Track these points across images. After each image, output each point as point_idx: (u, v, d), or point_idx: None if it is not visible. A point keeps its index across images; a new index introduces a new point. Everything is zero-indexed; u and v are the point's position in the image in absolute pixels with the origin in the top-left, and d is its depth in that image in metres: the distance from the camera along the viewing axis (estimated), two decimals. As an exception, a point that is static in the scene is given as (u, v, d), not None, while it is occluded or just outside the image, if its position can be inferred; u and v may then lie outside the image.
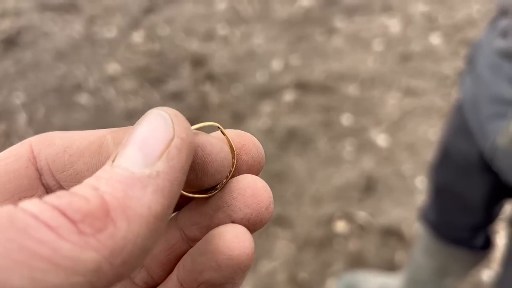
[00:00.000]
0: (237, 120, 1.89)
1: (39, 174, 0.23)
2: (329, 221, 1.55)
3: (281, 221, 1.56)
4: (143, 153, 0.19)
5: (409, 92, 2.01)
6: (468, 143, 0.87)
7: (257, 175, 0.26)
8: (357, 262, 1.46)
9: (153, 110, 0.21)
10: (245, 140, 0.25)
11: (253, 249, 0.22)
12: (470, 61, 0.85)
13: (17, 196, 0.22)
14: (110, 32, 2.31)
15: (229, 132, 0.25)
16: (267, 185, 0.24)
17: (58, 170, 0.23)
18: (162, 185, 0.19)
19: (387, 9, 2.47)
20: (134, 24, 2.35)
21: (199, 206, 0.25)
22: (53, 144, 0.23)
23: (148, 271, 0.26)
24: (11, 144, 1.40)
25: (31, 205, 0.16)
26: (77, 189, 0.18)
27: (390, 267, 1.45)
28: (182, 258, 0.24)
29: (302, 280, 1.42)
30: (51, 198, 0.17)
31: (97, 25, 2.35)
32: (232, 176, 0.25)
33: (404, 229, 1.54)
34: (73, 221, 0.17)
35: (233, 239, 0.22)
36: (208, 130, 0.25)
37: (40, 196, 0.22)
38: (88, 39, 2.26)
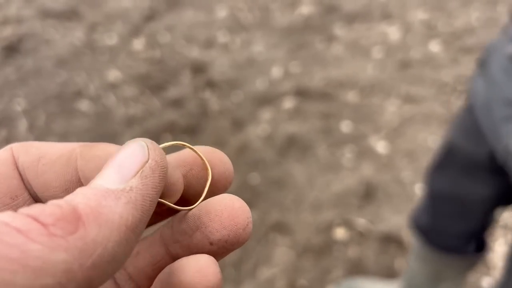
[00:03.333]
0: (237, 127, 1.90)
1: (21, 176, 0.24)
2: (329, 228, 1.55)
3: (280, 227, 1.56)
4: (119, 173, 0.20)
5: (408, 99, 2.02)
6: (477, 144, 0.87)
7: (224, 191, 0.26)
8: (357, 269, 1.46)
9: (132, 140, 0.22)
10: (212, 157, 0.26)
11: (219, 281, 0.22)
12: (482, 64, 0.86)
13: (8, 195, 0.24)
14: (111, 39, 2.32)
15: (198, 149, 0.26)
16: (245, 205, 0.24)
17: (32, 177, 0.24)
18: (134, 198, 0.20)
19: (386, 16, 2.48)
20: (135, 32, 2.36)
21: (179, 225, 0.25)
22: (29, 153, 0.24)
23: (137, 283, 0.26)
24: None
25: (4, 215, 0.17)
26: (51, 201, 0.19)
27: (389, 274, 1.45)
28: (154, 280, 0.25)
29: (301, 287, 1.42)
30: (24, 209, 0.18)
31: (98, 32, 2.37)
32: (207, 193, 0.25)
33: (404, 236, 1.54)
34: (44, 225, 0.17)
35: (196, 274, 0.22)
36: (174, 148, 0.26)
37: (28, 196, 0.24)
38: (89, 46, 2.28)
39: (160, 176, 0.21)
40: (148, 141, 0.22)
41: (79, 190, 0.20)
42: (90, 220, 0.18)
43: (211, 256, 0.23)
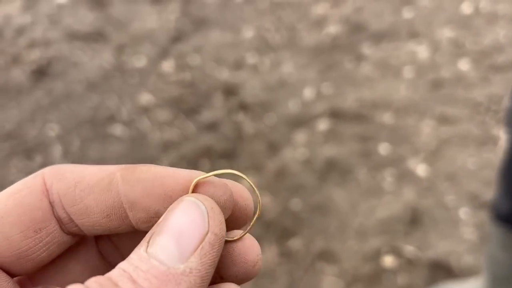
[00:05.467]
0: (273, 150, 1.88)
1: (52, 206, 0.23)
2: (377, 255, 1.52)
3: (326, 256, 1.54)
4: (178, 246, 0.20)
5: (443, 120, 2.00)
6: None
7: (243, 225, 0.26)
8: (409, 298, 1.44)
9: (189, 198, 0.22)
10: (234, 191, 0.25)
11: None
12: None
13: (32, 228, 0.23)
14: (139, 61, 2.32)
15: (229, 183, 0.25)
16: (256, 243, 0.24)
17: (69, 204, 0.23)
18: (193, 282, 0.20)
19: (413, 35, 2.48)
20: (163, 53, 2.35)
21: None
22: (64, 178, 0.24)
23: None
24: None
25: None
26: (116, 278, 0.19)
27: (442, 303, 1.43)
28: None
29: (353, 318, 1.40)
30: None
31: (126, 54, 2.36)
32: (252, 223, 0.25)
33: (452, 263, 1.51)
34: None
35: None
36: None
37: (53, 228, 0.23)
38: (118, 69, 2.27)
39: (218, 250, 0.21)
40: (208, 204, 0.22)
41: (138, 263, 0.19)
42: None
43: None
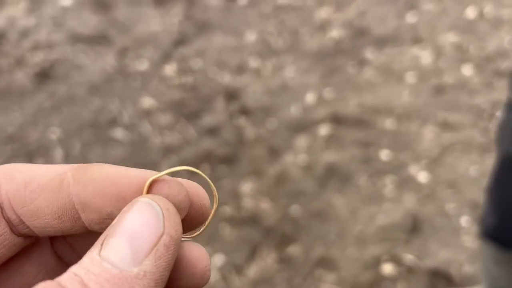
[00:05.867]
0: (274, 155, 1.88)
1: (1, 208, 0.23)
2: (376, 263, 1.51)
3: (326, 263, 1.53)
4: (132, 249, 0.19)
5: (446, 126, 1.99)
6: None
7: (199, 226, 0.25)
8: (408, 307, 1.43)
9: (143, 199, 0.21)
10: (191, 190, 0.25)
11: None
12: None
13: None
14: (142, 64, 2.32)
15: (184, 182, 0.24)
16: (205, 253, 0.24)
17: (19, 205, 0.23)
18: (147, 286, 0.19)
19: (417, 40, 2.47)
20: (166, 57, 2.36)
21: None
22: (13, 179, 0.23)
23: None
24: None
25: None
26: (66, 283, 0.18)
27: (441, 313, 1.42)
28: None
29: (352, 326, 1.39)
30: None
31: (128, 57, 2.37)
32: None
33: (453, 271, 1.50)
34: None
35: None
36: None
37: (3, 231, 0.23)
38: (120, 72, 2.27)
39: (174, 253, 0.21)
40: (164, 205, 0.21)
41: (90, 267, 0.19)
42: None
43: None
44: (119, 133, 1.97)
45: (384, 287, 1.47)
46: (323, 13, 2.63)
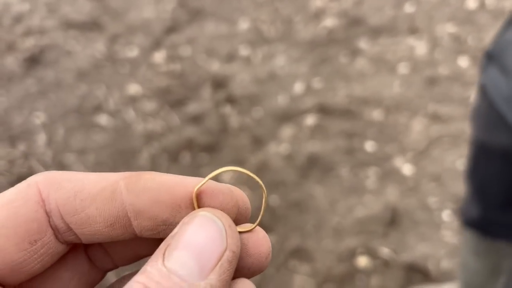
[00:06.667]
0: (257, 144, 1.85)
1: (48, 217, 0.23)
2: (351, 256, 1.48)
3: (300, 254, 1.50)
4: (198, 263, 0.20)
5: (436, 118, 1.94)
6: (507, 137, 0.85)
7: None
8: (380, 301, 1.40)
9: (205, 212, 0.22)
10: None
11: None
12: (495, 57, 0.84)
13: (27, 240, 0.23)
14: (131, 51, 2.30)
15: (231, 188, 0.25)
16: (267, 235, 0.25)
17: (69, 213, 0.23)
18: None
19: (413, 30, 2.41)
20: (156, 44, 2.34)
21: None
22: (62, 188, 0.23)
23: None
24: (30, 166, 1.37)
25: None
26: None
27: (414, 308, 1.38)
28: None
29: (321, 319, 1.36)
30: None
31: (119, 44, 2.35)
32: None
33: (430, 266, 1.46)
34: None
35: None
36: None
37: (48, 239, 0.23)
38: (109, 59, 2.26)
39: (235, 266, 0.22)
40: (226, 221, 0.22)
41: (158, 278, 0.20)
42: None
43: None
44: (103, 119, 1.96)
45: (358, 280, 1.44)
46: (319, 1, 2.58)
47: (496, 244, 1.02)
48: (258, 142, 1.86)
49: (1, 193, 0.23)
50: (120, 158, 1.78)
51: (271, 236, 1.56)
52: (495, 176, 0.95)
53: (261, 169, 1.75)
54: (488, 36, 2.36)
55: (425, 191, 1.67)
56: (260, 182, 0.26)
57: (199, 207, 0.24)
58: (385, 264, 1.47)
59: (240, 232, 0.25)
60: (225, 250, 0.21)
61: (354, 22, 2.46)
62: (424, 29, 2.42)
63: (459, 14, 2.52)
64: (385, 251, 1.49)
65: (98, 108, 2.00)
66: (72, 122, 1.95)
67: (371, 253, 1.49)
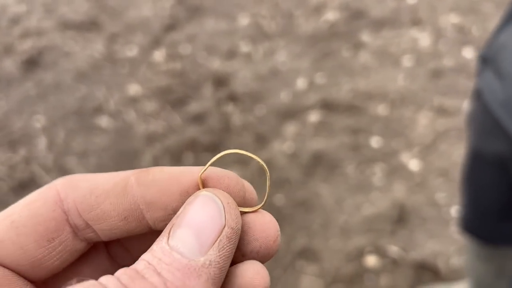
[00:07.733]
0: (261, 143, 1.82)
1: (66, 215, 0.25)
2: (359, 255, 1.46)
3: (307, 254, 1.48)
4: (198, 240, 0.21)
5: (441, 111, 1.90)
6: (502, 142, 0.83)
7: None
8: (390, 301, 1.37)
9: (205, 192, 0.23)
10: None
11: (269, 283, 0.24)
12: (489, 61, 0.82)
13: (45, 237, 0.24)
14: (131, 51, 2.27)
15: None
16: (274, 219, 0.25)
17: (86, 210, 0.25)
18: (213, 274, 0.21)
19: (416, 22, 2.37)
20: (156, 42, 2.30)
21: None
22: (78, 188, 0.25)
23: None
24: (31, 171, 1.35)
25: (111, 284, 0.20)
26: (143, 271, 0.21)
27: (425, 307, 1.36)
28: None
29: (330, 320, 1.34)
30: (126, 280, 0.20)
31: (118, 43, 2.32)
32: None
33: (439, 264, 1.44)
34: None
35: (255, 275, 0.24)
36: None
37: (66, 237, 0.25)
38: (108, 59, 2.23)
39: (235, 242, 0.23)
40: (225, 199, 0.23)
41: (161, 256, 0.21)
42: None
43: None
44: (103, 120, 1.93)
45: (367, 279, 1.41)
46: (319, -5, 2.54)
47: (498, 249, 1.01)
48: (261, 140, 1.83)
49: (27, 196, 0.25)
50: (122, 160, 1.76)
51: (278, 236, 1.53)
52: (491, 185, 0.94)
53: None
54: (493, 25, 2.31)
55: (433, 187, 1.64)
56: (262, 162, 0.26)
57: None
58: (394, 263, 1.44)
59: (245, 213, 0.25)
60: (223, 227, 0.22)
61: (356, 15, 2.42)
62: (427, 20, 2.38)
63: (463, 4, 2.47)
64: (393, 249, 1.47)
65: (98, 110, 1.97)
66: (72, 124, 1.92)
67: (380, 252, 1.46)
